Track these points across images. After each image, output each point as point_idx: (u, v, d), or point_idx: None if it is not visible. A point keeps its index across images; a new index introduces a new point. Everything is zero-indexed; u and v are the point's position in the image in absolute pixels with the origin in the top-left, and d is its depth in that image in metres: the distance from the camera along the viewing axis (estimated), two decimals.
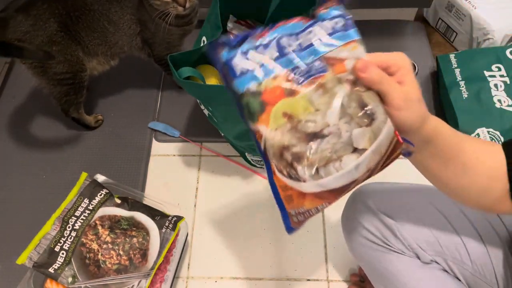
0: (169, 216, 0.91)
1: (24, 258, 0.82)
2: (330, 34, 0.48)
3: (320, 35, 0.48)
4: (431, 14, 1.41)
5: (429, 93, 1.24)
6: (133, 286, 0.84)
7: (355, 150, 0.46)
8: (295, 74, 0.47)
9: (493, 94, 1.09)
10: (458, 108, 1.09)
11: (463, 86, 1.13)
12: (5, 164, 1.17)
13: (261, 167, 1.13)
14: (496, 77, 1.12)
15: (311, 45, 0.48)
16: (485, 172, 0.56)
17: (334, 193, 0.48)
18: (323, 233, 1.04)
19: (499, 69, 1.13)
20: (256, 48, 0.47)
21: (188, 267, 1.01)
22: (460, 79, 1.14)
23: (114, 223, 0.88)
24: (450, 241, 0.69)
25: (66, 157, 1.17)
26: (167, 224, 0.89)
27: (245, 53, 0.47)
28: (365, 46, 0.49)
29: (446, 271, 0.70)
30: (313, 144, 0.46)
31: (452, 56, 1.19)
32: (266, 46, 0.48)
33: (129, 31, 1.06)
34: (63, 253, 0.84)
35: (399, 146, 0.48)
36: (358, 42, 0.48)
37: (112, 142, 1.19)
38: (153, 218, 0.90)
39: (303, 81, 0.46)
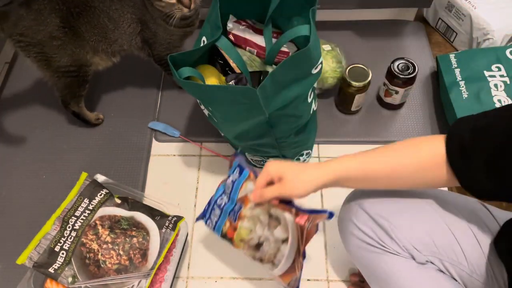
0: (169, 216, 0.91)
1: (24, 258, 0.82)
2: (233, 184, 0.80)
3: (230, 188, 0.80)
4: (431, 14, 1.41)
5: (429, 93, 1.24)
6: (133, 286, 0.84)
7: (283, 241, 0.73)
8: (230, 217, 0.78)
9: (493, 94, 1.09)
10: (458, 108, 1.09)
11: (463, 86, 1.13)
12: (5, 164, 1.17)
13: (260, 167, 1.13)
14: (496, 77, 1.12)
15: (229, 197, 0.80)
16: (413, 174, 0.64)
17: (292, 269, 0.73)
18: (323, 233, 1.04)
19: (499, 69, 1.13)
20: (211, 213, 0.83)
21: (188, 267, 1.01)
22: (460, 79, 1.14)
23: (114, 223, 0.88)
24: (445, 241, 0.69)
25: (66, 157, 1.17)
26: (167, 224, 0.89)
27: (209, 217, 0.83)
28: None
29: (442, 271, 0.70)
30: (261, 250, 0.75)
31: (452, 56, 1.19)
32: (213, 209, 0.83)
33: (129, 29, 1.06)
34: (63, 253, 0.84)
35: (304, 227, 0.71)
36: (250, 176, 0.79)
37: (112, 142, 1.19)
38: (153, 218, 0.90)
39: (235, 219, 0.77)
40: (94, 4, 1.01)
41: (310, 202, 1.08)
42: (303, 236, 0.73)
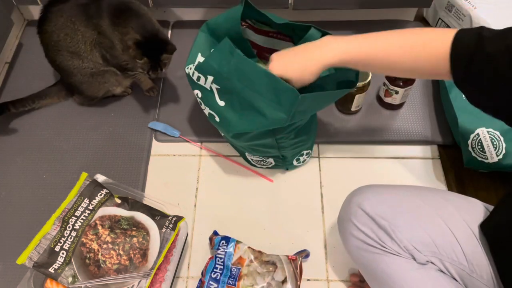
0: (169, 216, 0.91)
1: (24, 258, 0.82)
2: (225, 253, 0.93)
3: (223, 257, 0.93)
4: (431, 14, 1.41)
5: (429, 93, 1.24)
6: (133, 286, 0.84)
7: (283, 282, 0.88)
8: (229, 283, 0.89)
9: None
10: (458, 108, 1.09)
11: None
12: (5, 164, 1.17)
13: (261, 167, 1.13)
14: None
15: (222, 267, 0.91)
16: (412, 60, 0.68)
17: None
18: (323, 233, 1.04)
19: None
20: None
21: (188, 267, 1.01)
22: None
23: (114, 223, 0.88)
24: (446, 241, 0.69)
25: (66, 157, 1.17)
26: (167, 224, 0.89)
27: None
28: None
29: (442, 271, 0.70)
30: None
31: None
32: (210, 285, 0.90)
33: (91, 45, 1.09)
34: (63, 253, 0.84)
35: (297, 262, 0.91)
36: (237, 243, 0.94)
37: (112, 142, 1.19)
38: (153, 218, 0.90)
39: (235, 283, 0.89)
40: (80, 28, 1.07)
41: (310, 201, 1.08)
42: (298, 269, 0.90)
